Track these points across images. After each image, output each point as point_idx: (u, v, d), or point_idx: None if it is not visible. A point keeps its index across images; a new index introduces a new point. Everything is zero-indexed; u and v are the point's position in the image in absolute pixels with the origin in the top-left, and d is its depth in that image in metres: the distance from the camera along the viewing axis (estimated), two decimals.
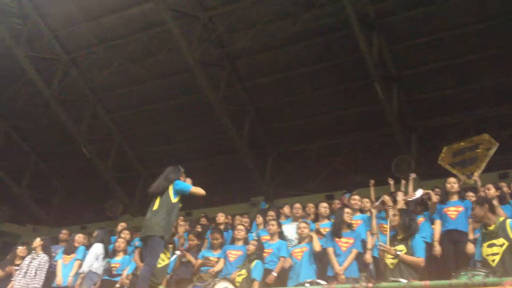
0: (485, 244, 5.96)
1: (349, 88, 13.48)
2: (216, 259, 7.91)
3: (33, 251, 9.26)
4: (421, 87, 13.12)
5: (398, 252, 6.15)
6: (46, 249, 9.33)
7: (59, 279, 9.03)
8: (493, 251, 5.83)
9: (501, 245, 5.81)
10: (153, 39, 14.06)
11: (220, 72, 14.00)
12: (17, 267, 9.34)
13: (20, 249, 9.75)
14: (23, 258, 9.43)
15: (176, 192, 6.75)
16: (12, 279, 9.12)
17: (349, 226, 7.47)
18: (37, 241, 9.36)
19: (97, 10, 13.92)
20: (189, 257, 8.19)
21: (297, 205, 8.93)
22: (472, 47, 12.04)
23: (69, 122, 15.43)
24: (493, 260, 5.77)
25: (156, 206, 6.72)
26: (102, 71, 14.72)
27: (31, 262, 9.02)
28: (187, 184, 6.84)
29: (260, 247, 7.60)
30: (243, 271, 7.29)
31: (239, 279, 7.20)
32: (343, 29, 12.29)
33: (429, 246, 7.30)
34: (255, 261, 7.32)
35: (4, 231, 17.70)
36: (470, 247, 6.95)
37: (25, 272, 8.89)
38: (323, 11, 12.24)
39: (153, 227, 6.48)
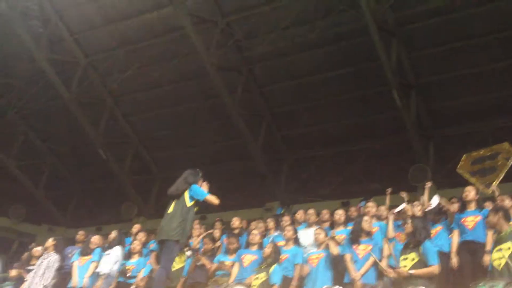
0: (495, 250, 6.02)
1: (367, 95, 13.41)
2: (231, 263, 7.89)
3: (45, 251, 9.31)
4: (440, 96, 13.00)
5: (410, 272, 6.11)
6: (58, 249, 9.38)
7: (74, 281, 9.05)
8: (499, 255, 5.83)
9: (508, 249, 5.83)
10: (171, 44, 14.14)
11: (237, 77, 14.04)
12: (31, 267, 9.41)
13: (35, 250, 9.83)
14: (38, 258, 9.49)
15: (191, 197, 6.78)
16: (25, 279, 9.16)
17: (368, 233, 7.44)
18: (50, 241, 9.42)
19: (116, 14, 14.06)
20: (204, 260, 8.19)
21: (311, 211, 8.92)
22: (492, 56, 11.92)
23: (86, 125, 15.56)
24: (499, 264, 5.75)
25: (171, 209, 6.77)
26: (120, 74, 14.84)
27: (42, 262, 9.07)
28: (202, 191, 6.87)
29: (277, 250, 7.56)
30: (261, 275, 7.21)
31: (256, 282, 7.15)
32: (361, 36, 12.22)
33: (447, 256, 7.24)
34: (274, 266, 7.26)
35: (20, 231, 17.89)
36: (487, 259, 6.85)
37: (35, 272, 8.94)
38: (342, 18, 12.22)
39: (169, 232, 6.52)
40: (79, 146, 17.22)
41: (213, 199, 6.86)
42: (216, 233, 9.63)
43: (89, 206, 18.34)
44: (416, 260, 6.22)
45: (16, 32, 14.12)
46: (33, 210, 17.80)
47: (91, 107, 15.75)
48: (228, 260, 8.09)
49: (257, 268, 7.47)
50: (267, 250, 7.50)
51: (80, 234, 10.59)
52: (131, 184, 16.53)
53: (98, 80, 15.53)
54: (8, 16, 13.83)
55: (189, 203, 6.76)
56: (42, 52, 14.54)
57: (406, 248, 6.53)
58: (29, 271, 9.38)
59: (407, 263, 6.30)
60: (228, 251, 8.28)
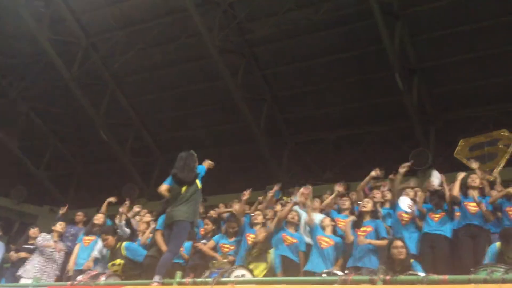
0: None
1: (369, 78, 13.39)
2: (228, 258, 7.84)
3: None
4: (442, 80, 12.99)
5: None
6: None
7: (70, 264, 8.96)
8: None
9: None
10: (174, 25, 14.07)
11: (240, 59, 14.00)
12: (29, 246, 9.43)
13: (33, 231, 9.83)
14: (35, 239, 9.50)
15: (200, 178, 6.82)
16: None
17: (373, 214, 7.46)
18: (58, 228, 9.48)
19: None
20: (201, 246, 8.16)
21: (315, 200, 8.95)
22: (496, 40, 11.86)
23: (88, 106, 15.56)
24: None
25: (182, 192, 6.76)
26: (122, 55, 14.78)
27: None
28: (203, 167, 6.90)
29: (270, 237, 7.51)
30: (262, 265, 7.09)
31: (258, 273, 7.05)
32: (365, 19, 12.18)
33: (448, 241, 7.30)
34: (271, 251, 7.19)
35: (22, 211, 17.96)
36: None
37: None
38: (346, 0, 12.14)
39: (183, 214, 6.52)
40: (81, 128, 17.24)
41: (209, 164, 6.99)
42: (213, 214, 9.60)
43: (90, 187, 18.38)
44: None
45: (18, 11, 14.02)
46: (35, 191, 17.87)
47: (93, 88, 15.74)
48: (228, 242, 8.11)
49: (249, 255, 7.34)
50: (260, 235, 7.38)
51: (79, 215, 10.48)
52: (132, 165, 16.58)
53: (100, 61, 15.47)
54: None
55: (200, 185, 6.80)
56: (43, 32, 14.49)
57: None
58: (27, 249, 9.38)
59: None
60: (227, 234, 8.28)
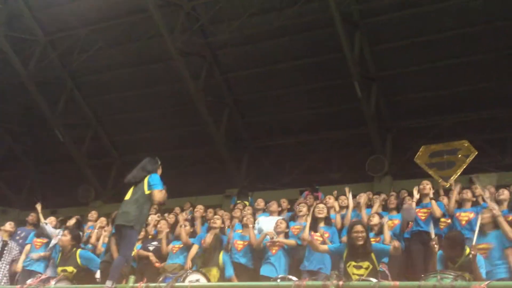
0: None
1: (329, 85, 13.52)
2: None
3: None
4: (400, 89, 13.26)
5: None
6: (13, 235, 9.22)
7: (19, 266, 8.75)
8: None
9: None
10: (135, 25, 13.91)
11: (201, 62, 13.94)
12: None
13: None
14: None
15: (149, 185, 6.60)
16: None
17: (326, 220, 7.55)
18: (8, 226, 9.21)
19: None
20: (152, 257, 7.99)
21: (273, 202, 9.01)
22: (453, 51, 12.21)
23: (44, 105, 15.19)
24: None
25: (129, 196, 6.60)
26: (81, 54, 14.51)
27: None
28: (158, 183, 6.57)
29: (218, 238, 7.48)
30: (214, 270, 7.05)
31: (212, 278, 6.95)
32: (326, 27, 12.34)
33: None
34: (221, 256, 7.16)
35: None
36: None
37: None
38: (308, 8, 12.27)
39: (126, 217, 6.36)
40: (36, 127, 16.78)
41: (158, 196, 6.49)
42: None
43: (44, 188, 17.91)
44: None
45: None
46: None
47: (50, 87, 15.37)
48: (177, 243, 7.98)
49: (200, 259, 7.31)
50: (208, 239, 7.32)
51: (32, 216, 10.22)
52: (88, 167, 16.25)
53: (58, 59, 15.15)
54: None
55: (147, 190, 6.49)
56: (0, 28, 14.06)
57: None
58: None
59: None
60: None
